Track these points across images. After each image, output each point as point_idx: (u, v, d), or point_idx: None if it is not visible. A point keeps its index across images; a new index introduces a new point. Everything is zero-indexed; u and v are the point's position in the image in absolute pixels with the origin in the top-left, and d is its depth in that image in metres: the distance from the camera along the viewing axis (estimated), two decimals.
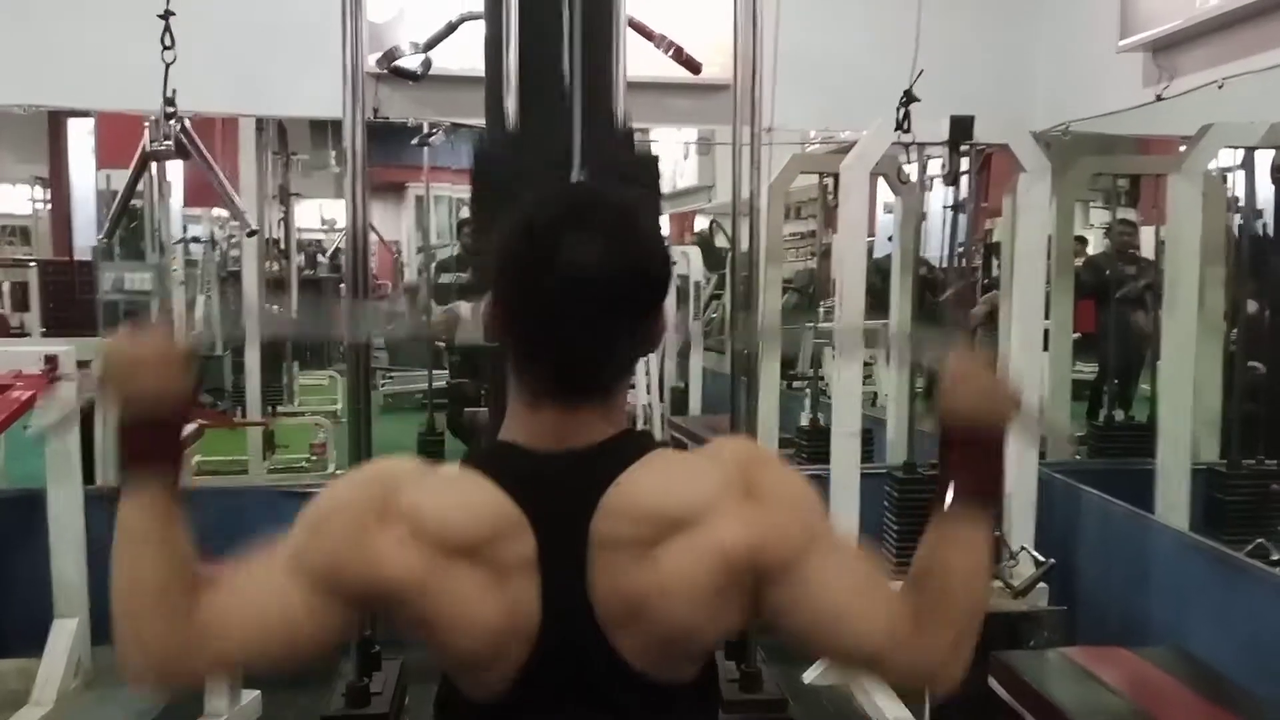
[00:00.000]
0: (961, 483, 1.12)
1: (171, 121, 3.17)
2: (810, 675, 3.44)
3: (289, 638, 1.03)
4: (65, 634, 3.19)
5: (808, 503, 1.08)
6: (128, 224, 5.79)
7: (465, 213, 9.28)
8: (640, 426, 3.86)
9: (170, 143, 3.28)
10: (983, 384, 1.14)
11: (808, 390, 5.16)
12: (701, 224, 10.21)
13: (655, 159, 2.43)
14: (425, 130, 5.39)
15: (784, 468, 1.10)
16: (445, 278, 6.35)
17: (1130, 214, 5.56)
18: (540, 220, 1.03)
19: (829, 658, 1.11)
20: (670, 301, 5.51)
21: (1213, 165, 3.91)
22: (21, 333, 7.25)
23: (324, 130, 9.76)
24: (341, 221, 11.48)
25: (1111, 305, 5.04)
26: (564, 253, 1.00)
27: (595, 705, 1.06)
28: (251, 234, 5.14)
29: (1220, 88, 3.01)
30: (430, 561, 1.00)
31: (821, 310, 5.51)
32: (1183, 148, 3.67)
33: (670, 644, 1.04)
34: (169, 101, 3.03)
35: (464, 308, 5.70)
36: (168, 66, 2.92)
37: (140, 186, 4.95)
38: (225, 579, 1.05)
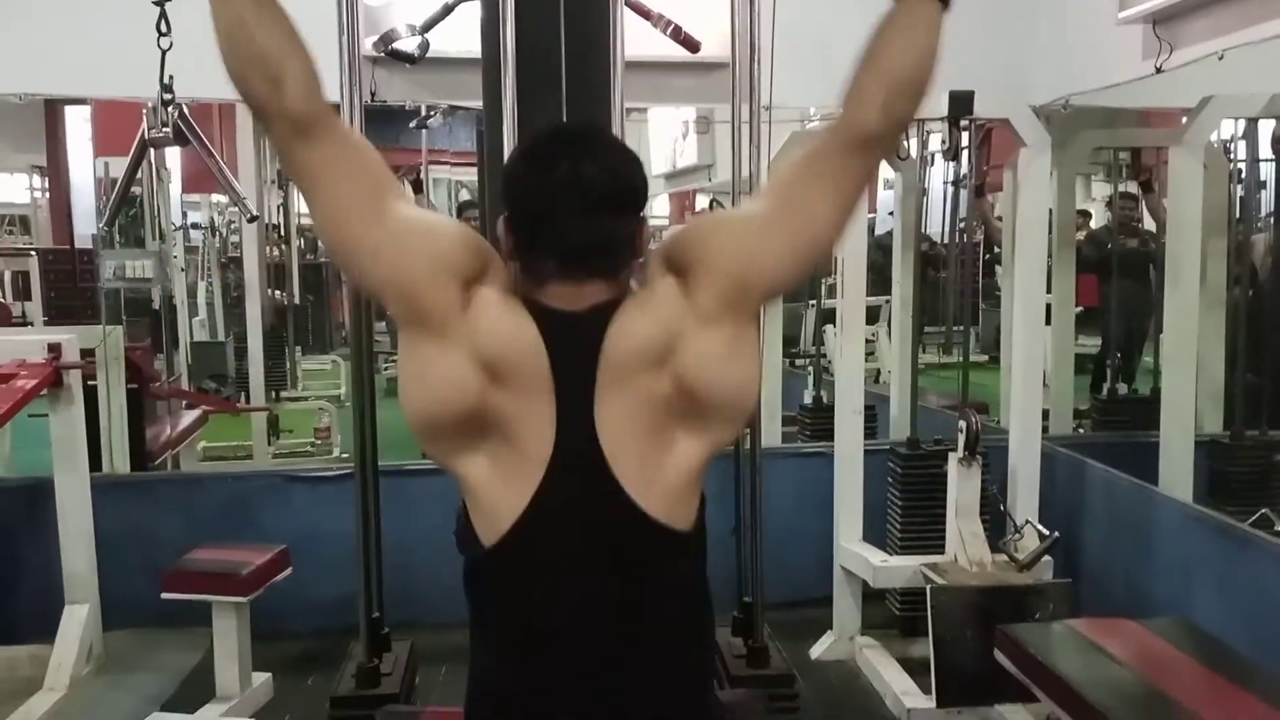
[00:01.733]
0: None
1: (169, 108, 3.15)
2: (817, 650, 3.46)
3: (370, 190, 1.23)
4: (76, 620, 3.21)
5: (710, 224, 1.42)
6: (127, 212, 5.79)
7: (465, 195, 9.27)
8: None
9: (169, 129, 3.27)
10: None
11: (810, 368, 5.16)
12: (702, 203, 10.19)
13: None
14: (423, 113, 5.39)
15: (685, 229, 1.36)
16: None
17: (1131, 187, 5.54)
18: (538, 144, 1.30)
19: (824, 225, 1.25)
20: None
21: (1214, 137, 3.90)
22: (24, 322, 7.25)
23: None
24: None
25: (1114, 278, 5.04)
26: (557, 165, 1.23)
27: (598, 541, 1.21)
28: (252, 219, 5.14)
29: (1221, 59, 3.00)
30: (508, 331, 1.21)
31: (823, 287, 5.50)
32: (1184, 120, 3.66)
33: (705, 419, 1.22)
34: (166, 88, 3.02)
35: None
36: (164, 53, 2.91)
37: (139, 174, 4.94)
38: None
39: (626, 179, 1.25)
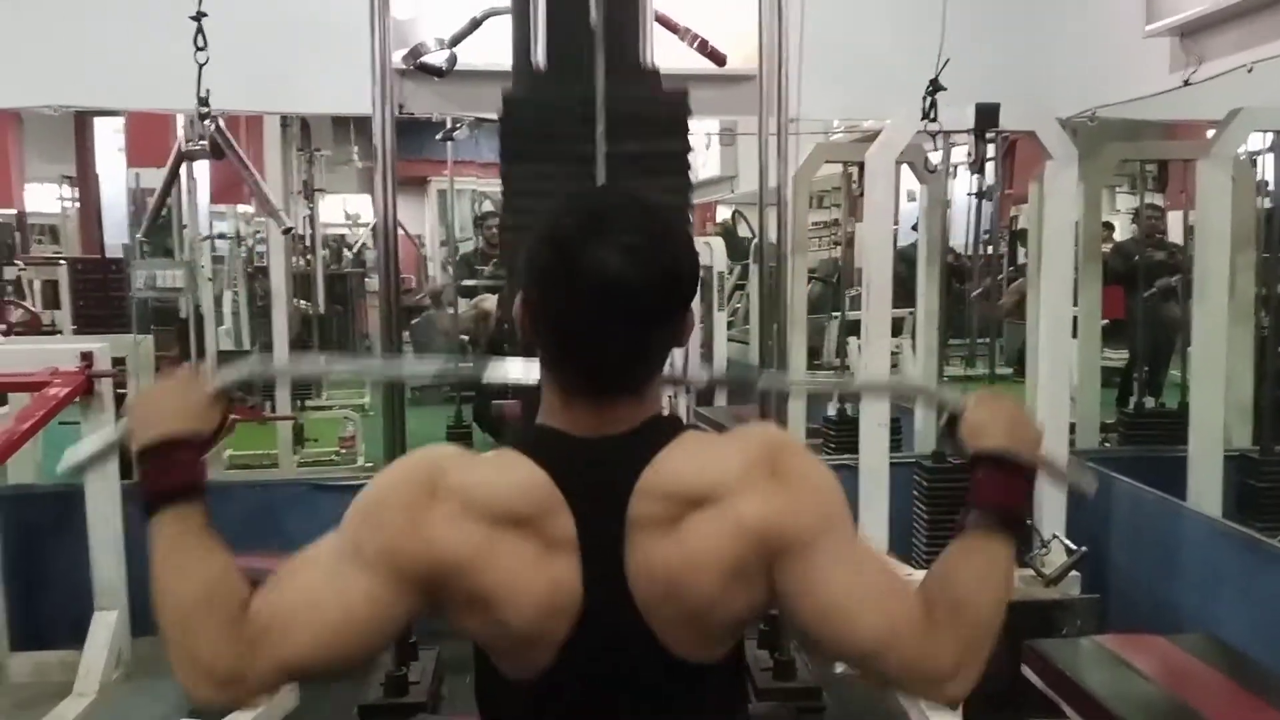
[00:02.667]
0: (987, 500, 1.14)
1: (206, 121, 3.19)
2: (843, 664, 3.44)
3: (349, 631, 1.04)
4: (105, 626, 3.24)
5: (829, 491, 1.10)
6: (154, 222, 5.85)
7: (488, 206, 9.32)
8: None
9: (205, 142, 3.31)
10: (1011, 410, 1.18)
11: None
12: (724, 214, 10.20)
13: (684, 94, 2.44)
14: (449, 125, 5.44)
15: (810, 455, 1.13)
16: (468, 280, 6.36)
17: (1158, 199, 5.51)
18: (564, 230, 1.05)
19: (831, 651, 1.09)
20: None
21: (1241, 150, 3.87)
22: (53, 330, 7.33)
23: (346, 126, 9.83)
24: (365, 216, 11.60)
25: (1140, 291, 5.01)
26: (588, 263, 1.02)
27: (629, 684, 1.09)
28: (286, 232, 5.17)
29: (1250, 71, 2.98)
30: (481, 534, 1.03)
31: (847, 299, 5.49)
32: (1211, 132, 3.64)
33: (698, 620, 1.07)
34: (203, 101, 3.05)
35: (489, 301, 5.74)
36: (200, 67, 2.95)
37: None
38: (275, 582, 1.06)
39: (673, 274, 1.06)
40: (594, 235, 1.03)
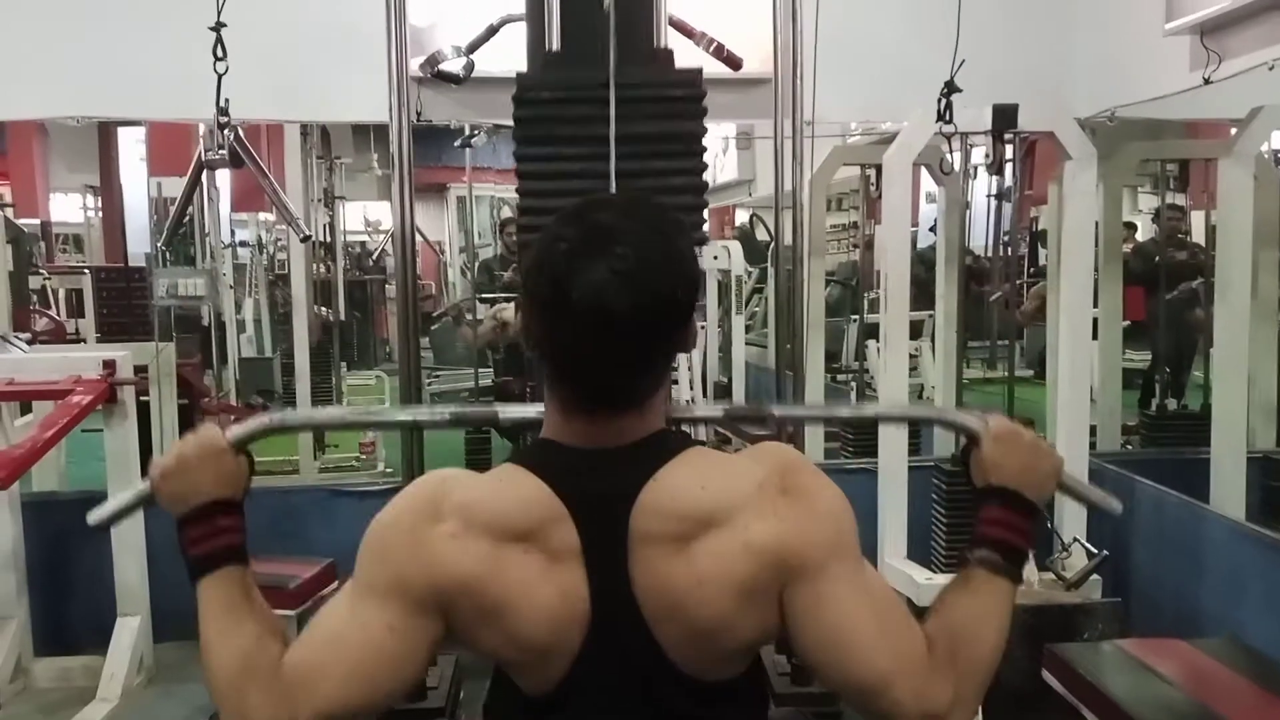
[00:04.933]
0: (993, 537, 1.14)
1: (226, 130, 3.22)
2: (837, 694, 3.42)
3: (376, 666, 1.06)
4: (128, 632, 3.27)
5: (841, 514, 1.10)
6: (178, 230, 5.90)
7: (507, 212, 9.35)
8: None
9: (225, 152, 3.34)
10: (1027, 445, 1.17)
11: (853, 383, 5.14)
12: (742, 218, 10.20)
13: (697, 72, 2.45)
14: (467, 132, 5.46)
15: (822, 478, 1.12)
16: (488, 287, 6.37)
17: (1179, 199, 5.47)
18: (557, 253, 1.04)
19: (833, 681, 1.08)
20: (710, 296, 5.48)
21: (1264, 148, 3.84)
22: (77, 338, 7.41)
23: (365, 134, 9.88)
24: (385, 223, 11.66)
25: (1161, 292, 4.97)
26: (579, 289, 1.01)
27: (641, 699, 1.09)
28: (305, 239, 5.21)
29: (1271, 69, 2.95)
30: (486, 550, 1.05)
31: (866, 302, 5.48)
32: (1233, 131, 3.61)
33: (707, 639, 1.07)
34: (223, 111, 3.07)
35: (509, 310, 5.75)
36: (220, 77, 2.97)
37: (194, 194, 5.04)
38: (303, 635, 1.10)
39: (663, 296, 1.05)
40: (586, 259, 1.02)
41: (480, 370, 6.14)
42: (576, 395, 1.09)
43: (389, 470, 5.71)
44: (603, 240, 1.04)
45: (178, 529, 1.15)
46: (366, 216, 12.23)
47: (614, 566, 1.06)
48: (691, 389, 4.67)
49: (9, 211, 8.82)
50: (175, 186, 4.96)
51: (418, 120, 3.49)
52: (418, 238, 5.17)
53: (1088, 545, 3.11)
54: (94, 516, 1.27)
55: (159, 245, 5.18)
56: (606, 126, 2.25)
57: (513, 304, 5.71)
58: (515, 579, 1.05)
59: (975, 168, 5.21)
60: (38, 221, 10.53)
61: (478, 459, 4.24)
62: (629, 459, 1.08)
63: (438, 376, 8.30)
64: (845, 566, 1.07)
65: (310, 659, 1.07)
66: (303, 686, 1.05)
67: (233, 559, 1.14)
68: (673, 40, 2.56)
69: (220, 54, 2.93)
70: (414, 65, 3.19)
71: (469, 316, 6.21)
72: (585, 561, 1.06)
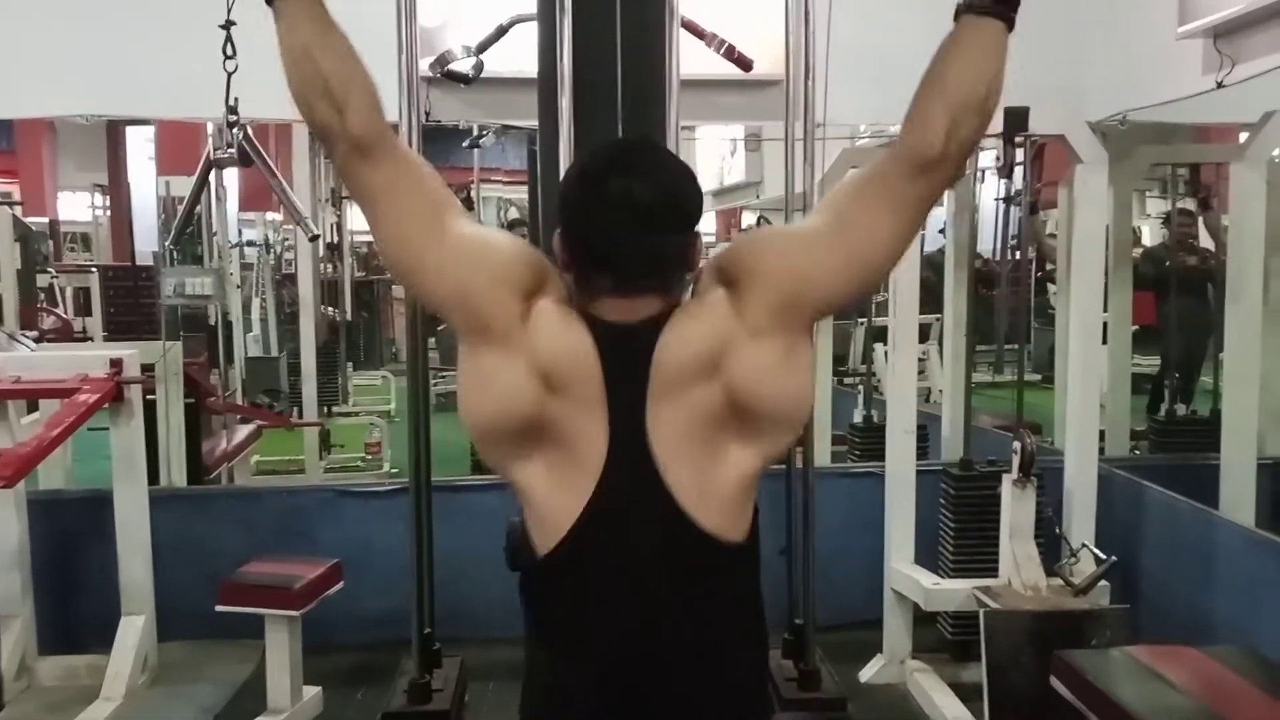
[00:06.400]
0: None
1: (234, 130, 3.21)
2: (867, 674, 3.42)
3: (422, 210, 1.27)
4: (133, 631, 3.27)
5: (767, 241, 1.38)
6: (185, 229, 5.91)
7: (514, 213, 9.36)
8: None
9: (233, 150, 3.33)
10: None
11: (860, 386, 5.12)
12: (750, 220, 10.18)
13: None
14: (476, 132, 5.45)
15: (739, 242, 1.36)
16: None
17: (1189, 203, 5.45)
18: (592, 162, 1.31)
19: (882, 250, 1.26)
20: None
21: (1276, 152, 3.82)
22: (85, 337, 7.43)
23: None
24: None
25: (1172, 297, 4.95)
26: (611, 188, 1.24)
27: (651, 551, 1.22)
28: (314, 239, 5.22)
29: None
30: (550, 332, 1.24)
31: (873, 305, 5.46)
32: (1245, 135, 3.59)
33: (757, 429, 1.23)
34: (232, 110, 3.07)
35: None
36: (229, 76, 2.96)
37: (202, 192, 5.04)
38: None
39: (678, 197, 1.27)
40: (615, 169, 1.27)
41: None
42: (608, 279, 1.25)
43: (394, 470, 5.71)
44: (628, 156, 1.32)
45: None
46: None
47: (634, 416, 1.22)
48: None
49: (17, 210, 8.81)
50: (183, 186, 4.96)
51: (427, 120, 3.48)
52: None
53: (1096, 551, 3.09)
54: None
55: (167, 244, 5.18)
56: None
57: None
58: (565, 404, 1.22)
59: (984, 171, 5.18)
60: (46, 220, 10.57)
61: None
62: (647, 327, 1.24)
63: (444, 377, 8.31)
64: (799, 241, 1.31)
65: (409, 154, 1.33)
66: (389, 137, 1.27)
67: None
68: (684, 41, 2.55)
69: (230, 52, 2.92)
70: (424, 65, 3.18)
71: None
72: (608, 411, 1.21)
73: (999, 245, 5.27)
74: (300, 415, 5.75)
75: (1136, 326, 4.89)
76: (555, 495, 1.23)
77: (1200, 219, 5.44)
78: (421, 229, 1.26)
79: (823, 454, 4.14)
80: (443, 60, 3.30)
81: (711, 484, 1.23)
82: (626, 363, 1.22)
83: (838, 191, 1.32)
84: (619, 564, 1.23)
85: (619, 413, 1.22)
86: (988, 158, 4.59)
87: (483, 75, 3.31)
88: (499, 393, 1.23)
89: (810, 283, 1.24)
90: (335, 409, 6.81)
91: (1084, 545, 3.14)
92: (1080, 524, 3.24)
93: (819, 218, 1.31)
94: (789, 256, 1.26)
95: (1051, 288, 6.12)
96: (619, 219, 1.23)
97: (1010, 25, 1.21)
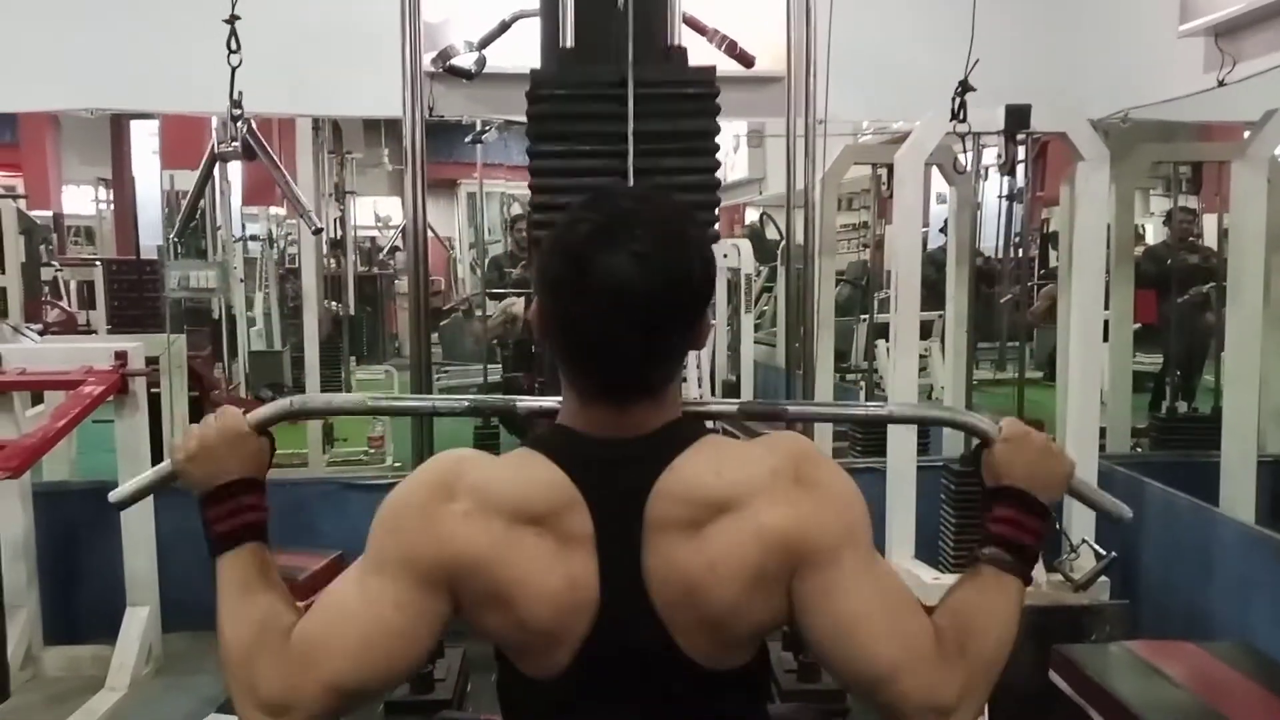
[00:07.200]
0: (1002, 535, 1.15)
1: (238, 123, 3.23)
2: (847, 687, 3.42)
3: (383, 641, 1.06)
4: (137, 622, 3.29)
5: (853, 502, 1.11)
6: (189, 223, 5.92)
7: (517, 209, 9.36)
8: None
9: (237, 144, 3.35)
10: (1038, 449, 1.18)
11: (862, 383, 5.13)
12: (752, 216, 10.19)
13: (711, 69, 2.47)
14: (478, 128, 5.46)
15: (835, 467, 1.13)
16: (498, 283, 6.39)
17: (1192, 202, 5.45)
18: (576, 238, 1.05)
19: (842, 670, 1.09)
20: (720, 294, 5.48)
21: (1278, 151, 3.82)
22: (89, 330, 7.44)
23: (377, 129, 9.92)
24: (395, 219, 11.69)
25: (1173, 296, 4.96)
26: (598, 272, 1.02)
27: (648, 687, 1.09)
28: (317, 232, 5.23)
29: None
30: (499, 531, 1.05)
31: (876, 302, 5.47)
32: (1247, 134, 3.59)
33: (718, 626, 1.07)
34: (236, 104, 3.08)
35: (518, 304, 5.76)
36: (234, 70, 2.97)
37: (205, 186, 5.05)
38: (313, 608, 1.10)
39: (685, 282, 1.05)
40: (605, 244, 1.03)
41: (489, 366, 6.14)
42: (593, 382, 1.09)
43: (398, 464, 5.72)
44: (622, 224, 1.05)
45: (201, 506, 1.16)
46: (377, 212, 12.26)
47: (627, 554, 1.06)
48: (700, 387, 4.67)
49: (22, 203, 8.82)
50: (187, 179, 4.97)
51: (430, 115, 3.49)
52: (428, 233, 5.18)
53: (1096, 547, 3.10)
54: (115, 495, 1.29)
55: (171, 237, 5.20)
56: (621, 124, 2.24)
57: (522, 298, 5.72)
58: (525, 561, 1.05)
59: (987, 169, 5.19)
60: (50, 213, 10.57)
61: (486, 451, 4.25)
62: (646, 449, 1.08)
63: (447, 372, 8.33)
64: (856, 556, 1.07)
65: (318, 632, 1.07)
66: (310, 658, 1.06)
67: (254, 536, 1.15)
68: (685, 37, 2.56)
69: (234, 46, 2.93)
70: (426, 60, 3.19)
71: (479, 312, 6.23)
72: (598, 549, 1.06)
73: (1001, 243, 5.28)
74: None
75: (1138, 325, 4.90)
76: (536, 649, 1.09)
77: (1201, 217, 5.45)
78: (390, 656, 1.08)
79: (824, 449, 4.14)
80: (445, 55, 3.31)
81: (717, 632, 1.08)
82: (618, 493, 1.06)
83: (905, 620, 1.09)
84: (611, 692, 1.10)
85: (610, 552, 1.06)
86: (990, 155, 4.60)
87: (485, 70, 3.32)
88: (526, 604, 1.06)
89: (813, 588, 1.06)
90: None
91: (1084, 541, 3.15)
92: (1080, 520, 3.25)
93: (893, 602, 1.08)
94: (846, 599, 1.06)
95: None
96: (608, 311, 1.03)
97: (1028, 584, 1.15)
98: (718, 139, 2.48)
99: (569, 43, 2.16)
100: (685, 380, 4.30)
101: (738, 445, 1.14)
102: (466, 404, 1.33)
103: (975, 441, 1.22)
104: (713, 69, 2.48)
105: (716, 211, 2.54)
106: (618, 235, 1.03)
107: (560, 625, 1.06)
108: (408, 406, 1.78)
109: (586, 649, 1.07)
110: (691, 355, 4.13)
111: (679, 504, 1.06)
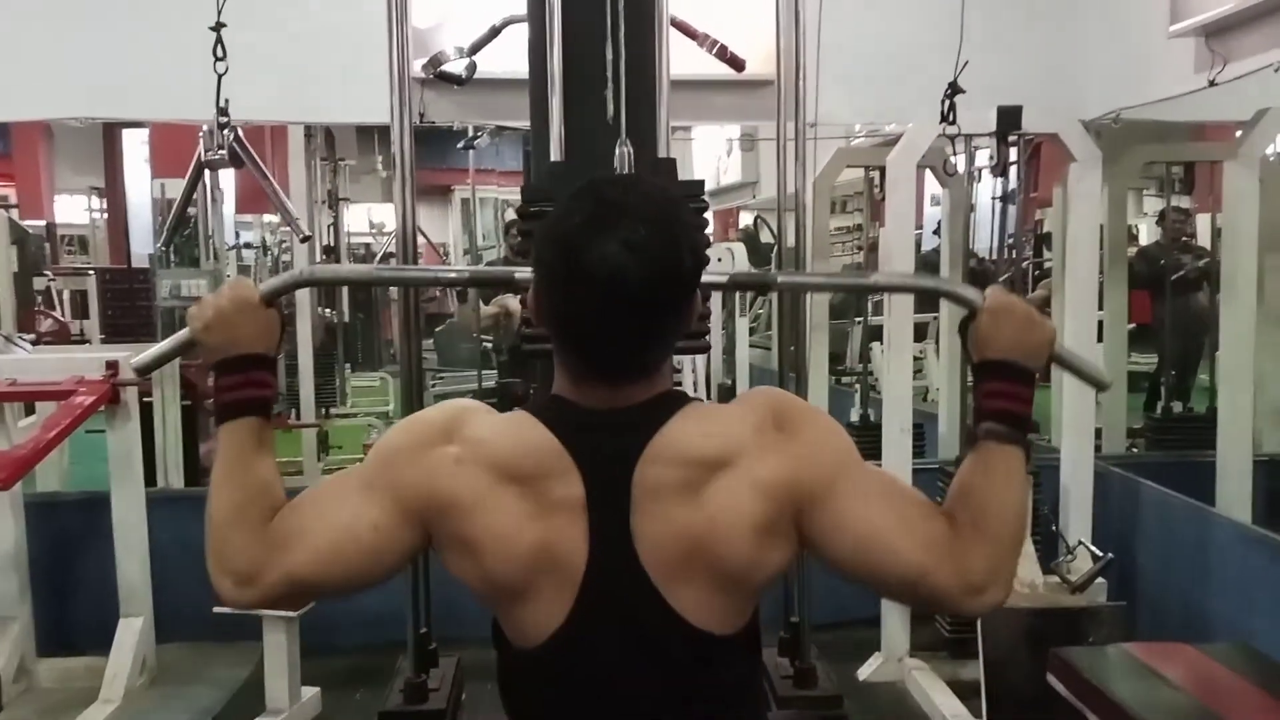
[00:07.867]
0: (996, 409, 1.18)
1: (225, 131, 3.22)
2: (865, 672, 3.42)
3: (351, 553, 1.12)
4: (131, 632, 3.26)
5: (836, 433, 1.17)
6: (182, 232, 5.91)
7: (510, 214, 9.36)
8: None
9: (224, 152, 3.34)
10: (1020, 318, 1.21)
11: (857, 386, 5.12)
12: (746, 220, 10.19)
13: (699, 183, 2.50)
14: (470, 133, 5.46)
15: (808, 406, 1.21)
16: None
17: (1184, 202, 5.45)
18: (569, 227, 1.08)
19: (874, 583, 1.15)
20: (715, 298, 5.48)
21: (1270, 150, 3.83)
22: (82, 339, 7.42)
23: (370, 136, 9.91)
24: (389, 225, 11.68)
25: (1167, 295, 4.96)
26: (591, 259, 1.05)
27: (643, 655, 1.11)
28: (305, 239, 5.22)
29: (1277, 71, 2.94)
30: (482, 483, 1.09)
31: (870, 305, 5.46)
32: (1238, 133, 3.60)
33: (731, 581, 1.11)
34: (222, 111, 3.08)
35: (512, 301, 5.75)
36: (220, 77, 2.97)
37: (195, 195, 5.04)
38: (298, 501, 1.16)
39: (675, 267, 1.08)
40: (597, 231, 1.05)
41: (484, 372, 6.13)
42: (587, 365, 1.12)
43: None
44: (614, 214, 1.07)
45: (213, 375, 1.19)
46: (371, 219, 12.25)
47: (617, 518, 1.09)
48: (695, 390, 4.66)
49: (14, 213, 8.83)
50: (179, 188, 4.95)
51: (420, 121, 3.48)
52: (421, 239, 5.18)
53: (1093, 548, 3.10)
54: (137, 361, 1.35)
55: (159, 246, 5.19)
56: None
57: (519, 296, 5.71)
58: (501, 517, 1.09)
59: (980, 170, 5.19)
60: (43, 223, 10.55)
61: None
62: (637, 418, 1.11)
63: (442, 378, 8.31)
64: (852, 480, 1.12)
65: (296, 525, 1.13)
66: (281, 545, 1.12)
67: (258, 411, 1.19)
68: (677, 42, 2.55)
69: (220, 54, 2.93)
70: (416, 66, 3.19)
71: (474, 311, 6.21)
72: (588, 513, 1.09)
73: (995, 244, 5.28)
74: (298, 417, 5.75)
75: (1133, 325, 4.90)
76: (533, 608, 1.11)
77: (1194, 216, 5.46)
78: (361, 565, 1.13)
79: None
80: (436, 61, 3.30)
81: (709, 594, 1.10)
82: (609, 459, 1.09)
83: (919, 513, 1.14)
84: (605, 665, 1.12)
85: (601, 516, 1.08)
86: (983, 157, 4.60)
87: (476, 76, 3.32)
88: (492, 558, 1.10)
89: (823, 521, 1.10)
90: (333, 410, 6.81)
91: (1080, 543, 3.15)
92: (1077, 521, 3.25)
93: (900, 507, 1.13)
94: (855, 513, 1.11)
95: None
96: (601, 300, 1.05)
97: (1029, 453, 1.19)
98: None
99: (559, 155, 2.17)
100: (679, 384, 4.30)
101: (720, 408, 1.19)
102: (467, 275, 1.52)
103: (963, 322, 1.25)
104: (701, 183, 2.53)
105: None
106: (609, 224, 1.06)
107: (529, 585, 1.09)
108: (411, 277, 1.76)
109: (575, 614, 1.09)
110: (688, 360, 4.14)
111: (671, 466, 1.09)
